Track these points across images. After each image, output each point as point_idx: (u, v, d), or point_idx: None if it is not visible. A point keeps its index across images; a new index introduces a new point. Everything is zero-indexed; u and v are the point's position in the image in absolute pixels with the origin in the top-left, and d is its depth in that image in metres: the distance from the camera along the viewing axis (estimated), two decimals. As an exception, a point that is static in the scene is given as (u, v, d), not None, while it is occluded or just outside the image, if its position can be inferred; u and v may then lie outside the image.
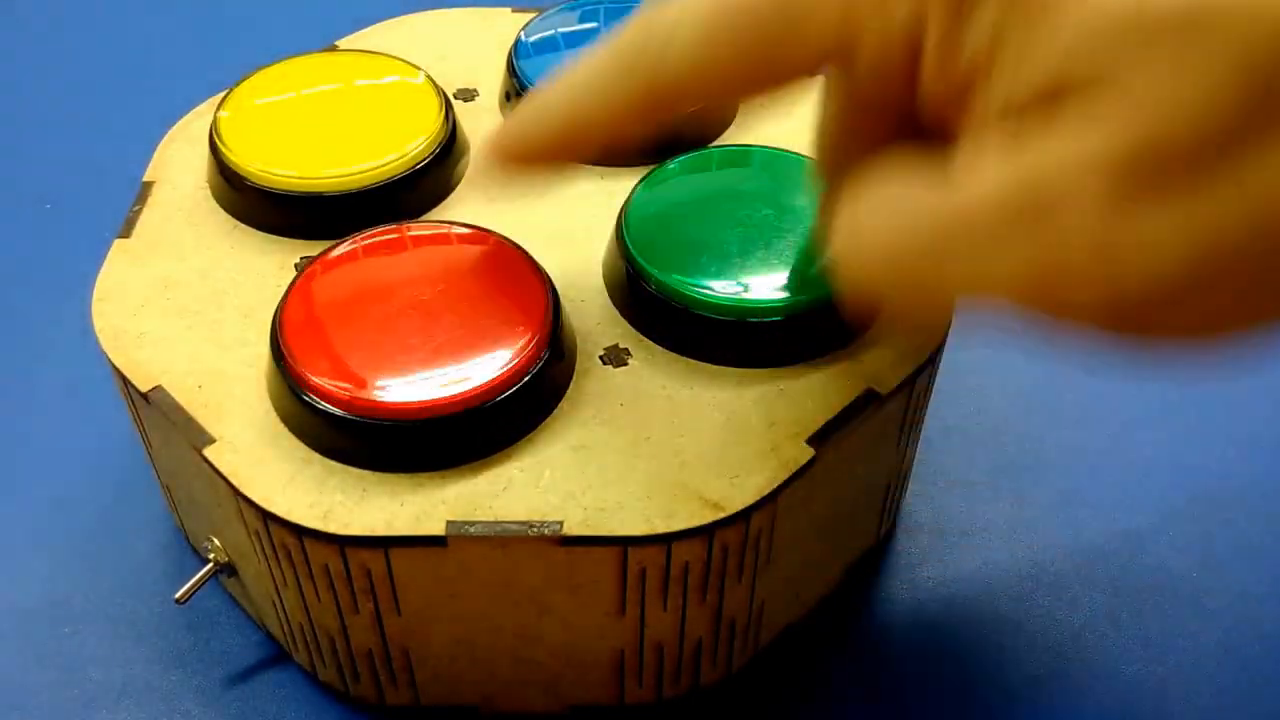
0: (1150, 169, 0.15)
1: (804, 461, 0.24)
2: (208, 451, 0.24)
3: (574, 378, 0.26)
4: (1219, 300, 0.16)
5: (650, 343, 0.27)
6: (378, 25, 0.38)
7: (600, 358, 0.27)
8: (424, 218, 0.30)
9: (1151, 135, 0.15)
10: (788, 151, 0.30)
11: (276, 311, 0.26)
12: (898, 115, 0.20)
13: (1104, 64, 0.15)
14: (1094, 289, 0.16)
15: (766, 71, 0.20)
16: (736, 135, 0.33)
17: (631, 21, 0.21)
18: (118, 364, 0.26)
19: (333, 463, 0.24)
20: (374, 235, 0.28)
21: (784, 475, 0.24)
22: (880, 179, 0.19)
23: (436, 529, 0.23)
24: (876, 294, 0.19)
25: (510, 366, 0.24)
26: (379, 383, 0.24)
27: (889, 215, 0.18)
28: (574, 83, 0.22)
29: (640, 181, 0.29)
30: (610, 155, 0.31)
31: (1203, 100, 0.14)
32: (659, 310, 0.27)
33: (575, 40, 0.34)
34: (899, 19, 0.18)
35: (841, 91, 0.21)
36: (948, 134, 0.18)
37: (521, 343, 0.25)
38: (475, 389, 0.24)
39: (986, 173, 0.16)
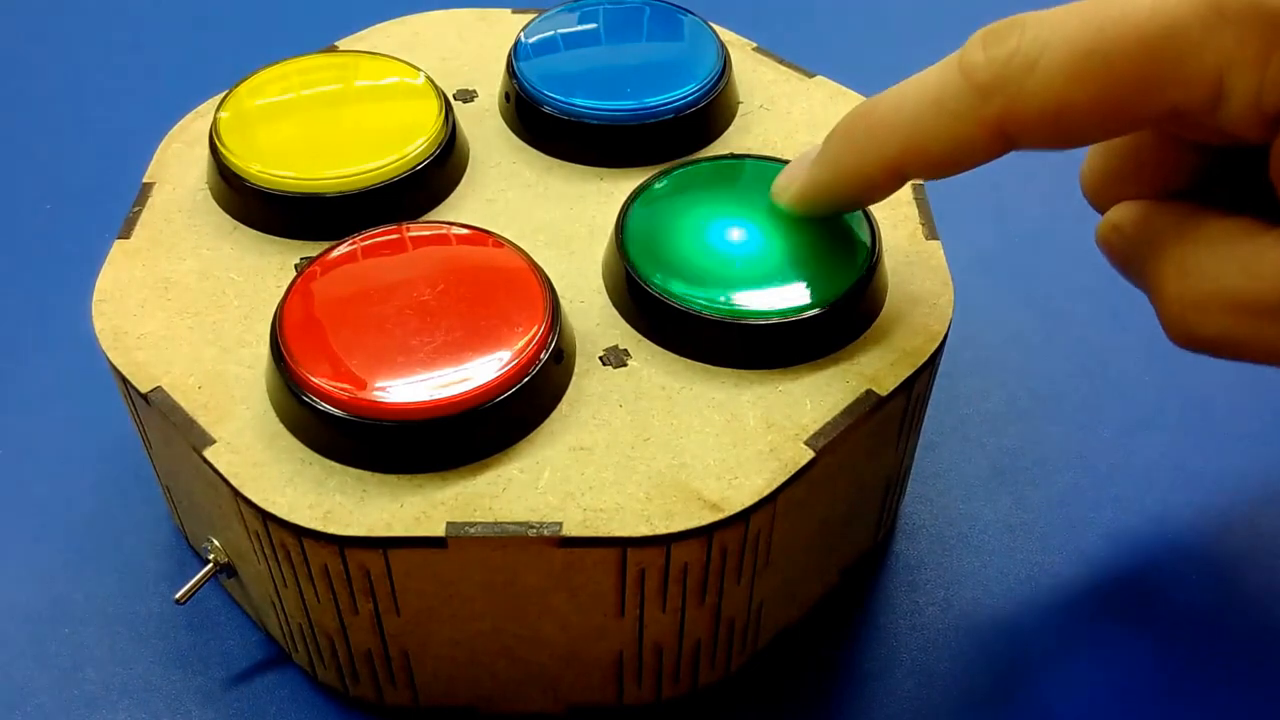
0: None
1: (803, 463, 0.24)
2: (207, 452, 0.24)
3: (573, 378, 0.26)
4: None
5: (650, 344, 0.27)
6: (377, 26, 0.38)
7: (600, 359, 0.27)
8: (424, 218, 0.30)
9: None
10: (785, 160, 0.30)
11: (276, 312, 0.26)
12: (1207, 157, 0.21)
13: None
14: None
15: (1124, 116, 0.19)
16: (736, 136, 0.33)
17: (983, 41, 0.20)
18: (118, 365, 0.26)
19: (332, 463, 0.24)
20: (374, 236, 0.28)
21: (783, 476, 0.24)
22: (1210, 241, 0.19)
23: (436, 530, 0.23)
24: (1199, 345, 0.20)
25: (510, 367, 0.24)
26: (379, 383, 0.24)
27: (1221, 283, 0.19)
28: (893, 124, 0.22)
29: (641, 182, 0.29)
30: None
31: None
32: (659, 311, 0.27)
33: (575, 41, 0.34)
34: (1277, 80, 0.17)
35: (1154, 133, 0.21)
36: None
37: (521, 344, 0.25)
38: (475, 390, 0.24)
39: None
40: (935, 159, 0.22)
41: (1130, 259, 0.22)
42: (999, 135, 0.20)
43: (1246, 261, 0.19)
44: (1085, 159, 0.24)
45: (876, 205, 0.29)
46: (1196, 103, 0.18)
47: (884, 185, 0.24)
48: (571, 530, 0.23)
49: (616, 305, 0.28)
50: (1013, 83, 0.19)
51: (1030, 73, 0.19)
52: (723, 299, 0.26)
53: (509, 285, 0.26)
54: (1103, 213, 0.23)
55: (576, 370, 0.26)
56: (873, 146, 0.22)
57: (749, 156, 0.31)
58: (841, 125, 0.23)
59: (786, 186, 0.26)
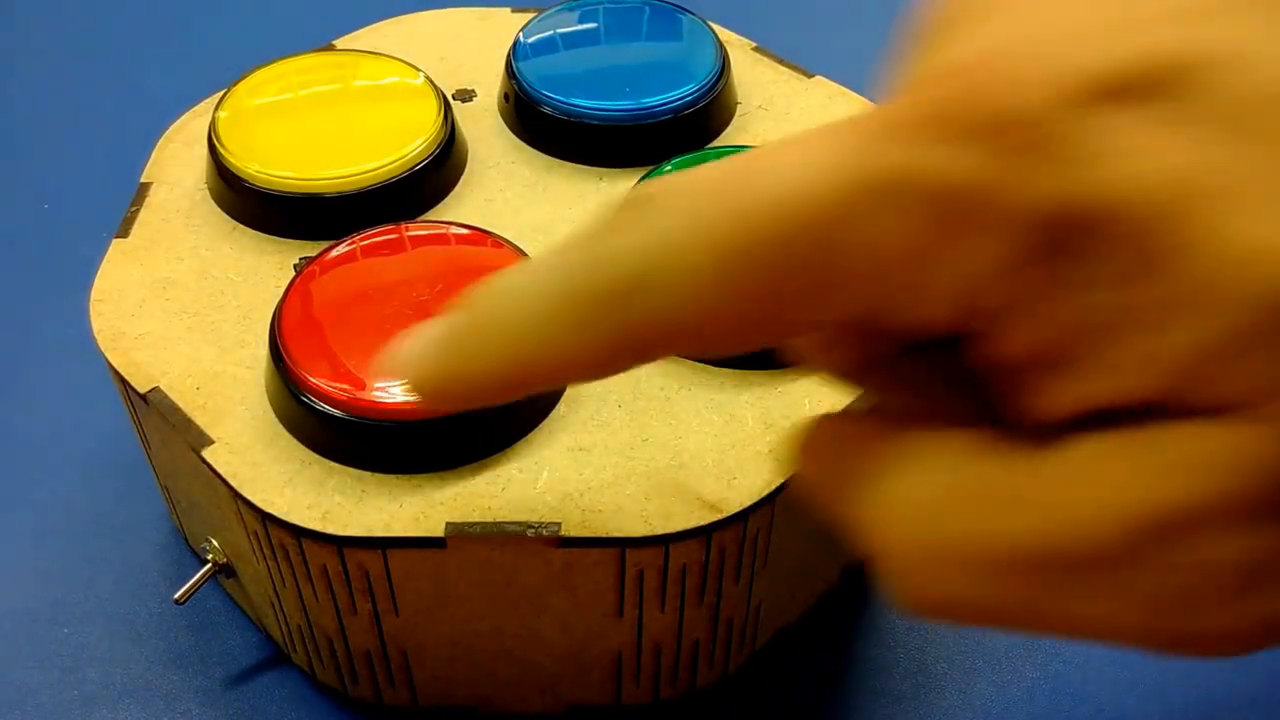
0: None
1: (802, 463, 0.24)
2: (206, 453, 0.24)
3: (572, 379, 0.26)
4: None
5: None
6: (376, 25, 0.37)
7: (598, 359, 0.27)
8: (423, 218, 0.30)
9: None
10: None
11: (275, 312, 0.26)
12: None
13: (1241, 385, 0.12)
14: (1231, 621, 0.13)
15: (775, 326, 0.15)
16: (734, 136, 0.33)
17: (605, 238, 0.15)
18: (116, 365, 0.26)
19: (331, 464, 0.24)
20: (372, 236, 0.28)
21: (782, 477, 0.24)
22: (931, 474, 0.15)
23: (435, 530, 0.23)
24: (938, 610, 0.15)
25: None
26: (377, 384, 0.24)
27: (955, 529, 0.14)
28: (520, 317, 0.16)
29: (639, 182, 0.29)
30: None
31: None
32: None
33: (574, 40, 0.34)
34: (960, 281, 0.13)
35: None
36: (995, 387, 0.15)
37: (520, 344, 0.25)
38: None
39: (1093, 495, 0.13)
40: (566, 372, 0.16)
41: (831, 491, 0.17)
42: (635, 348, 0.15)
43: (985, 497, 0.14)
44: None
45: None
46: (864, 305, 0.14)
47: (516, 393, 0.17)
48: (570, 530, 0.23)
49: (615, 305, 0.28)
50: (641, 288, 0.14)
51: (659, 275, 0.14)
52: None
53: (508, 285, 0.26)
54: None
55: (575, 370, 0.26)
56: (495, 350, 0.16)
57: (749, 147, 0.31)
58: (470, 305, 0.17)
59: (406, 366, 0.18)
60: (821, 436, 0.17)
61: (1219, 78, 0.12)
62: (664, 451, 0.25)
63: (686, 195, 0.14)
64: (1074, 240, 0.13)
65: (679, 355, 0.15)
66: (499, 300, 0.16)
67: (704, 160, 0.31)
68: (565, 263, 0.15)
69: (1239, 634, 0.13)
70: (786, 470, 0.18)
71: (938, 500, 0.14)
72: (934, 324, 0.14)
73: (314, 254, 0.28)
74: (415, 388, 0.18)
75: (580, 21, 0.35)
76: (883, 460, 0.15)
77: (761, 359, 0.26)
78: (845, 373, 0.18)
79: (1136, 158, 0.12)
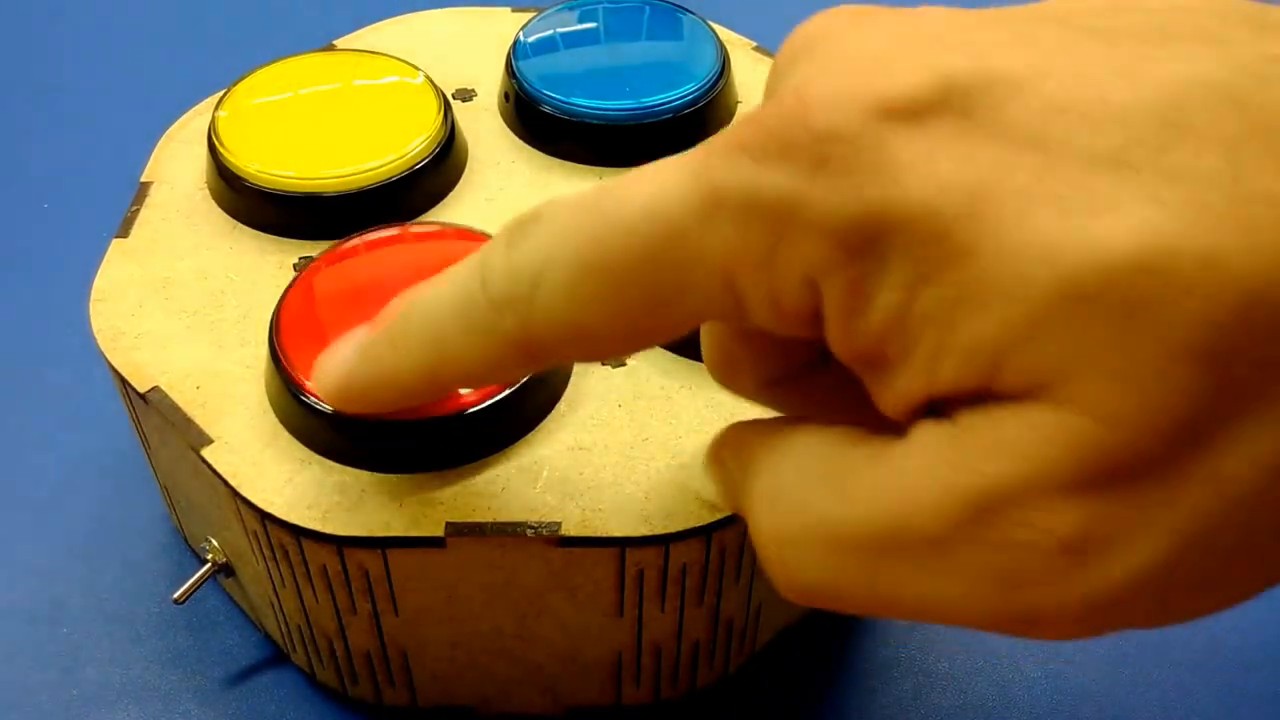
0: (1112, 476, 0.13)
1: (802, 463, 0.24)
2: (206, 452, 0.24)
3: (572, 378, 0.26)
4: (1205, 584, 0.14)
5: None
6: (376, 25, 0.37)
7: (598, 358, 0.27)
8: (423, 218, 0.30)
9: (1108, 447, 0.13)
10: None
11: (275, 312, 0.26)
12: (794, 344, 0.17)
13: (1039, 368, 0.13)
14: (1061, 595, 0.14)
15: (645, 332, 0.17)
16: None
17: (505, 240, 0.17)
18: (116, 364, 0.26)
19: (331, 463, 0.24)
20: (373, 235, 0.28)
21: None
22: (798, 464, 0.16)
23: (435, 530, 0.23)
24: (804, 594, 0.17)
25: (508, 367, 0.24)
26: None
27: (812, 514, 0.16)
28: (424, 331, 0.19)
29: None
30: None
31: (1157, 405, 0.13)
32: (657, 311, 0.27)
33: (575, 40, 0.34)
34: (789, 281, 0.15)
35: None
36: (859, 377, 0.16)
37: (520, 344, 0.25)
38: (474, 390, 0.24)
39: (925, 479, 0.14)
40: (467, 375, 0.19)
41: (730, 488, 0.19)
42: (525, 354, 0.17)
43: (838, 483, 0.16)
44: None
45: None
46: (718, 310, 0.16)
47: (427, 396, 0.21)
48: (570, 530, 0.23)
49: (615, 305, 0.28)
50: (521, 301, 0.17)
51: (536, 290, 0.16)
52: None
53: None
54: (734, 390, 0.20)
55: (575, 370, 0.26)
56: (406, 357, 0.19)
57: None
58: (384, 317, 0.20)
59: (325, 375, 0.21)
60: (725, 440, 0.19)
61: (1006, 95, 0.14)
62: (664, 451, 0.25)
63: (558, 218, 0.17)
64: (878, 245, 0.14)
65: (568, 360, 0.19)
66: (406, 311, 0.19)
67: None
68: (462, 277, 0.18)
69: (1074, 613, 0.14)
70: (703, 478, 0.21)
71: (796, 487, 0.16)
72: (781, 325, 0.16)
73: (314, 254, 0.28)
74: (334, 396, 0.21)
75: (580, 21, 0.35)
76: (763, 455, 0.17)
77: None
78: (757, 392, 0.19)
79: (931, 168, 0.14)
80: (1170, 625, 0.15)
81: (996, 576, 0.14)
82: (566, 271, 0.16)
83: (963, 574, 0.14)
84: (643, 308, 0.16)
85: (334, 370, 0.21)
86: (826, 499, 0.16)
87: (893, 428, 0.16)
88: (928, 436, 0.15)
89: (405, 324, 0.19)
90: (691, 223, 0.15)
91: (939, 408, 0.15)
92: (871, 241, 0.14)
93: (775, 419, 0.18)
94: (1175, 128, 0.13)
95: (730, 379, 0.20)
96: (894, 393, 0.15)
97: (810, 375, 0.19)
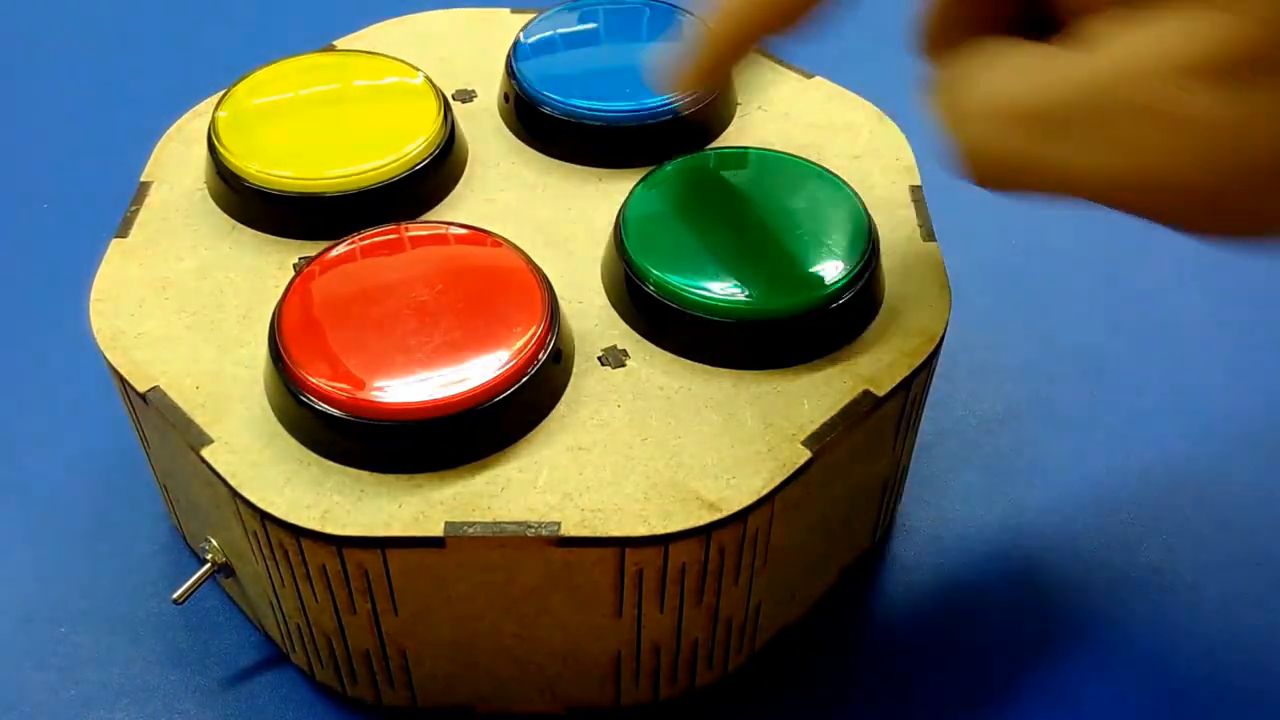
0: (1255, 66, 0.16)
1: (801, 463, 0.24)
2: (205, 452, 0.24)
3: (572, 378, 0.26)
4: None
5: (648, 344, 0.27)
6: (376, 25, 0.38)
7: (598, 359, 0.27)
8: (422, 218, 0.30)
9: (1249, 39, 0.16)
10: (784, 154, 0.30)
11: (274, 312, 0.26)
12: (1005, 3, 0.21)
13: None
14: (1202, 167, 0.17)
15: None
16: (734, 136, 0.33)
17: None
18: (115, 364, 0.26)
19: (331, 463, 0.24)
20: (372, 236, 0.28)
21: (781, 476, 0.24)
22: (998, 49, 0.19)
23: (434, 530, 0.23)
24: (984, 159, 0.19)
25: (508, 367, 0.24)
26: (377, 383, 0.24)
27: (1011, 75, 0.19)
28: None
29: (639, 183, 0.30)
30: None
31: None
32: (657, 311, 0.27)
33: (574, 41, 0.34)
34: None
35: None
36: (1056, 22, 0.19)
37: (519, 344, 0.25)
38: (473, 390, 0.24)
39: (1100, 61, 0.17)
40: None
41: (937, 105, 0.21)
42: None
43: (1031, 70, 0.18)
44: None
45: (874, 206, 0.29)
46: None
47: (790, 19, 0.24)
48: (570, 530, 0.23)
49: (615, 305, 0.28)
50: None
51: None
52: (721, 299, 0.26)
53: (507, 285, 0.26)
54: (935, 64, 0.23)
55: (575, 370, 0.26)
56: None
57: (751, 150, 0.31)
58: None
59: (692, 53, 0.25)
60: (936, 34, 0.22)
61: None
62: (663, 451, 0.25)
63: None
64: None
65: None
66: None
67: (704, 161, 0.31)
68: None
69: (1195, 183, 0.17)
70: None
71: (1001, 72, 0.19)
72: None
73: (314, 254, 0.28)
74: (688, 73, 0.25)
75: (580, 22, 0.35)
76: (967, 59, 0.20)
77: (762, 359, 0.26)
78: (955, 50, 0.22)
79: None
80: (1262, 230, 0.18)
81: (1146, 145, 0.17)
82: None
83: (1122, 142, 0.17)
84: None
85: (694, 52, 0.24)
86: (1020, 85, 0.18)
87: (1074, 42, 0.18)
88: (1103, 34, 0.17)
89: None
90: None
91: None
92: None
93: (981, 39, 0.20)
94: None
95: (945, 42, 0.22)
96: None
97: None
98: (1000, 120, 0.19)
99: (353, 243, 0.28)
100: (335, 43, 0.36)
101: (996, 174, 0.19)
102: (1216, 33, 0.16)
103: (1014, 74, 0.19)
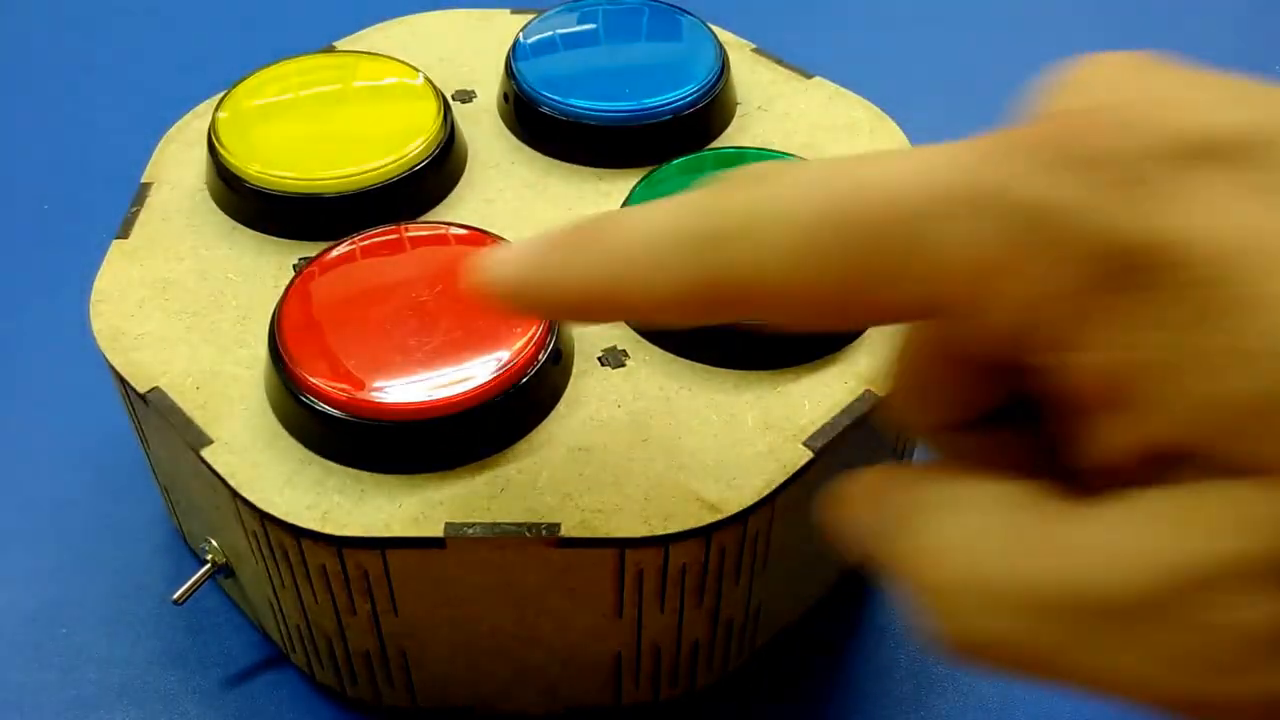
0: None
1: (801, 463, 0.24)
2: (205, 452, 0.24)
3: (572, 379, 0.26)
4: None
5: (648, 344, 0.27)
6: (376, 26, 0.38)
7: (598, 359, 0.27)
8: (422, 219, 0.30)
9: None
10: (784, 153, 0.30)
11: (275, 313, 0.26)
12: (996, 376, 0.17)
13: (1276, 450, 0.13)
14: (1253, 689, 0.13)
15: (846, 305, 0.16)
16: (734, 136, 0.33)
17: (719, 193, 0.16)
18: (115, 365, 0.26)
19: (331, 464, 0.24)
20: (372, 236, 0.28)
21: (782, 477, 0.24)
22: (981, 514, 0.15)
23: (434, 530, 0.23)
24: (975, 650, 0.15)
25: (508, 368, 0.24)
26: (377, 384, 0.24)
27: (997, 569, 0.15)
28: (616, 246, 0.17)
29: (639, 182, 0.30)
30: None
31: None
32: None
33: (574, 41, 0.34)
34: (1034, 294, 0.14)
35: (936, 336, 0.18)
36: (1059, 419, 0.16)
37: (519, 344, 0.25)
38: (473, 390, 0.24)
39: (1131, 543, 0.14)
40: (645, 304, 0.17)
41: (877, 535, 0.17)
42: (710, 296, 0.16)
43: (1029, 538, 0.15)
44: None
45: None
46: (932, 305, 0.15)
47: (590, 315, 0.20)
48: (570, 531, 0.23)
49: (615, 306, 0.28)
50: (737, 242, 0.16)
51: (758, 235, 0.16)
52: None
53: (507, 286, 0.26)
54: (917, 434, 0.20)
55: (575, 371, 0.26)
56: (590, 267, 0.18)
57: (749, 150, 0.31)
58: (576, 226, 0.19)
59: (497, 266, 0.19)
60: (868, 484, 0.18)
61: None
62: (663, 452, 0.25)
63: (801, 173, 0.16)
64: (1143, 276, 0.13)
65: (755, 318, 0.16)
66: (605, 224, 0.18)
67: (704, 161, 0.31)
68: (674, 206, 0.17)
69: (1250, 706, 0.13)
70: (829, 516, 0.19)
71: (980, 538, 0.15)
72: (998, 340, 0.15)
73: (314, 254, 0.28)
74: (503, 284, 0.19)
75: (580, 22, 0.35)
76: (930, 504, 0.16)
77: (762, 359, 0.26)
78: (935, 432, 0.19)
79: (1217, 211, 0.13)
80: None
81: (1188, 658, 0.13)
82: (798, 222, 0.15)
83: (1153, 651, 0.13)
84: (860, 279, 0.15)
85: (511, 260, 0.19)
86: (1009, 553, 0.15)
87: (1078, 490, 0.15)
88: (1134, 501, 0.14)
89: (599, 234, 0.18)
90: (946, 208, 0.14)
91: (1143, 472, 0.14)
92: (1138, 271, 0.13)
93: (932, 468, 0.17)
94: None
95: (914, 411, 0.19)
96: (1101, 440, 0.14)
97: (993, 427, 0.18)
98: (1002, 607, 0.15)
99: (352, 243, 0.28)
100: (335, 43, 0.36)
101: (977, 658, 0.15)
102: None
103: (1016, 540, 0.15)
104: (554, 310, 0.20)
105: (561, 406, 0.26)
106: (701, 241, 0.16)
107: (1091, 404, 0.15)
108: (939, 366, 0.18)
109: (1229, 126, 0.14)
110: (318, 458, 0.24)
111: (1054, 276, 0.14)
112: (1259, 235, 0.13)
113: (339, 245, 0.27)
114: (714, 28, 0.35)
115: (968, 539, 0.15)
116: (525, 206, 0.31)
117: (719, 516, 0.23)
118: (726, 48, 0.34)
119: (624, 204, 0.29)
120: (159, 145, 0.33)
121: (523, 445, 0.25)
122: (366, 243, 0.28)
